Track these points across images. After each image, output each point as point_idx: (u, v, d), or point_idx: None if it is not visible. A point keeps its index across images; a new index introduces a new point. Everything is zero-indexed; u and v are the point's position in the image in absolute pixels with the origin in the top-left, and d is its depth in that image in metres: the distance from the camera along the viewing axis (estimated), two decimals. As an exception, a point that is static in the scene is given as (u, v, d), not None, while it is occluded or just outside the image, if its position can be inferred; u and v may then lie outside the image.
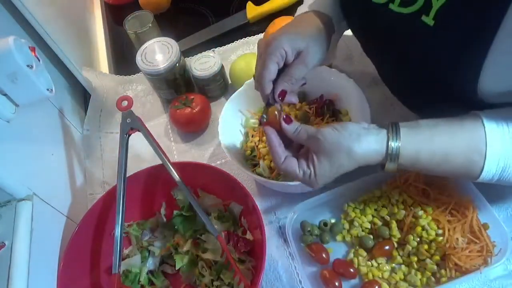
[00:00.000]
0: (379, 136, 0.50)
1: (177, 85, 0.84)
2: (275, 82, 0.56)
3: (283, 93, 0.55)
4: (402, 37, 0.53)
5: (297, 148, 0.56)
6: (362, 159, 0.50)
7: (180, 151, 0.83)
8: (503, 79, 0.44)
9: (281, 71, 0.56)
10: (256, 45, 0.60)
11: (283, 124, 0.53)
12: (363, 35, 0.65)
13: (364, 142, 0.49)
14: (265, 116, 0.55)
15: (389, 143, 0.49)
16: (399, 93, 0.68)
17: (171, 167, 0.63)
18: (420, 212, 0.59)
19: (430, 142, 0.49)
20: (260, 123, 0.57)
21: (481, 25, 0.42)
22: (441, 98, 0.54)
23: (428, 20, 0.47)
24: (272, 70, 0.54)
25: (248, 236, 0.64)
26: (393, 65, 0.60)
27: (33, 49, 0.56)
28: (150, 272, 0.67)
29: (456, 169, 0.50)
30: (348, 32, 0.91)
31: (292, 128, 0.53)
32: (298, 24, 0.61)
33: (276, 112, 0.54)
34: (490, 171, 0.48)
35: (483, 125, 0.48)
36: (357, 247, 0.63)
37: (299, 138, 0.53)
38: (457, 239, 0.57)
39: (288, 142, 0.55)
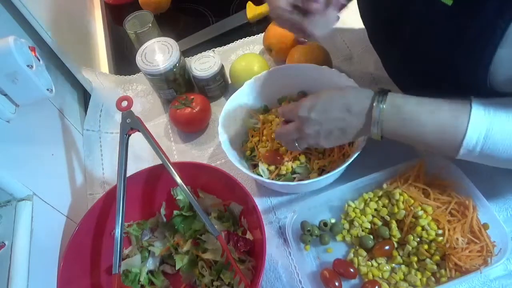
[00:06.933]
0: (371, 93, 0.55)
1: (177, 85, 0.84)
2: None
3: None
4: (416, 17, 0.52)
5: None
6: (350, 92, 0.56)
7: (180, 151, 0.83)
8: None
9: None
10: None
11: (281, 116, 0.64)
12: (373, 17, 0.65)
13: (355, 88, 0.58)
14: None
15: (375, 104, 0.53)
16: (405, 85, 0.67)
17: (171, 167, 0.63)
18: (420, 212, 0.59)
19: (417, 97, 0.53)
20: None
21: (500, 7, 0.42)
22: (449, 90, 0.54)
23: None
24: None
25: (248, 236, 0.64)
26: (402, 51, 0.60)
27: (33, 49, 0.56)
28: (150, 272, 0.67)
29: (441, 126, 0.50)
30: (348, 32, 0.92)
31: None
32: None
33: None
34: (475, 131, 0.48)
35: (469, 98, 0.49)
36: (357, 247, 0.63)
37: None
38: (457, 239, 0.57)
39: None
